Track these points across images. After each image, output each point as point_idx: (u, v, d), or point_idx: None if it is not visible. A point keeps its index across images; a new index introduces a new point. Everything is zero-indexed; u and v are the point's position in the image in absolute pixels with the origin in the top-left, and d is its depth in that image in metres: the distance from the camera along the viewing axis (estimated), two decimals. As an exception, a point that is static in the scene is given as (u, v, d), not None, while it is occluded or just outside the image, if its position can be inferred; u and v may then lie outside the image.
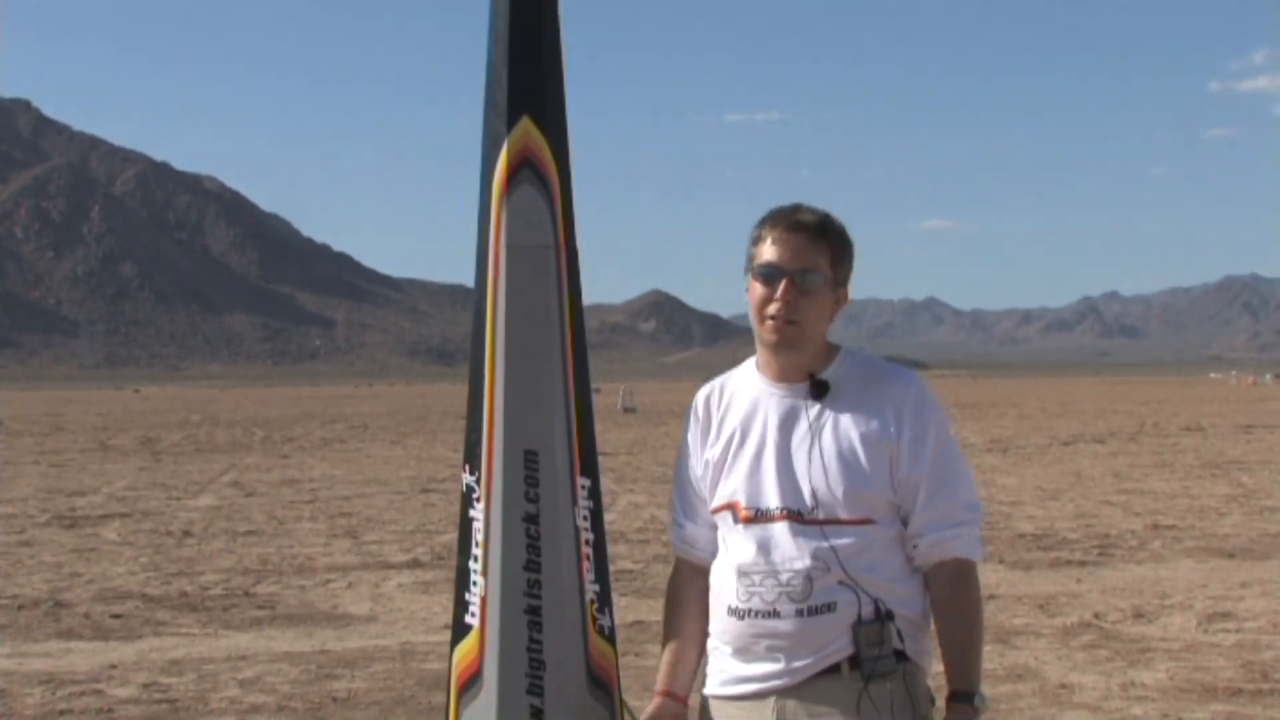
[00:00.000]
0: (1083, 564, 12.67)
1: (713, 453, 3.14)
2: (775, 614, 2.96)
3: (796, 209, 3.08)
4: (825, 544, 2.95)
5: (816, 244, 3.03)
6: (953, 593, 3.00)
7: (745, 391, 3.14)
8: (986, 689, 3.01)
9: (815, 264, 3.02)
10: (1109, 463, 24.81)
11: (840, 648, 2.94)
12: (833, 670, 2.94)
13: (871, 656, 2.92)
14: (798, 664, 2.95)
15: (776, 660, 2.97)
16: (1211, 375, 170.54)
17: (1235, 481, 20.54)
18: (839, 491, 2.97)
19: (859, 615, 2.93)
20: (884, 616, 2.94)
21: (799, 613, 2.94)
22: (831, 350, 3.12)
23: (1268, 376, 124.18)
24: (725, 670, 3.07)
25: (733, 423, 3.12)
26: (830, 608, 2.93)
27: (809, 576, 2.95)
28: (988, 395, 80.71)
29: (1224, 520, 15.73)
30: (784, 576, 2.96)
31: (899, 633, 2.96)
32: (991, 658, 8.71)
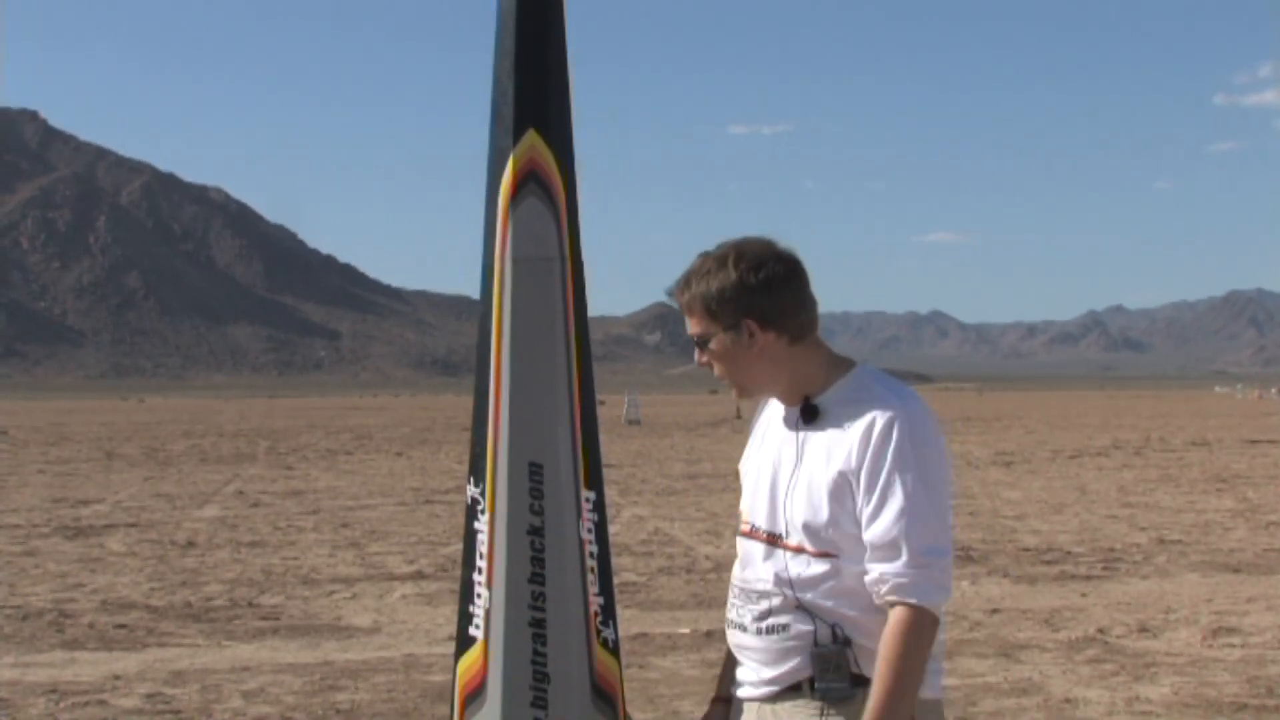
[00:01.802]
0: (1087, 578, 12.65)
1: (744, 460, 3.27)
2: (744, 628, 3.09)
3: (677, 283, 3.14)
4: (785, 569, 3.01)
5: (691, 310, 3.10)
6: (886, 640, 2.89)
7: (776, 408, 3.21)
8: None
9: (700, 329, 3.10)
10: (1114, 476, 24.78)
11: (800, 668, 3.00)
12: (796, 689, 3.02)
13: (826, 681, 2.97)
14: (766, 676, 3.05)
15: (752, 671, 3.09)
16: (1217, 389, 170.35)
17: (1241, 496, 20.50)
18: (798, 522, 3.00)
19: (815, 639, 2.98)
20: (841, 642, 2.96)
21: (758, 631, 3.05)
22: (839, 367, 3.10)
23: (1273, 391, 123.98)
24: (735, 670, 3.20)
25: (758, 436, 3.24)
26: (784, 629, 3.01)
27: (769, 597, 3.03)
28: (993, 408, 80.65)
29: (1229, 535, 15.70)
30: (752, 595, 3.07)
31: (856, 659, 2.97)
32: (996, 671, 8.70)
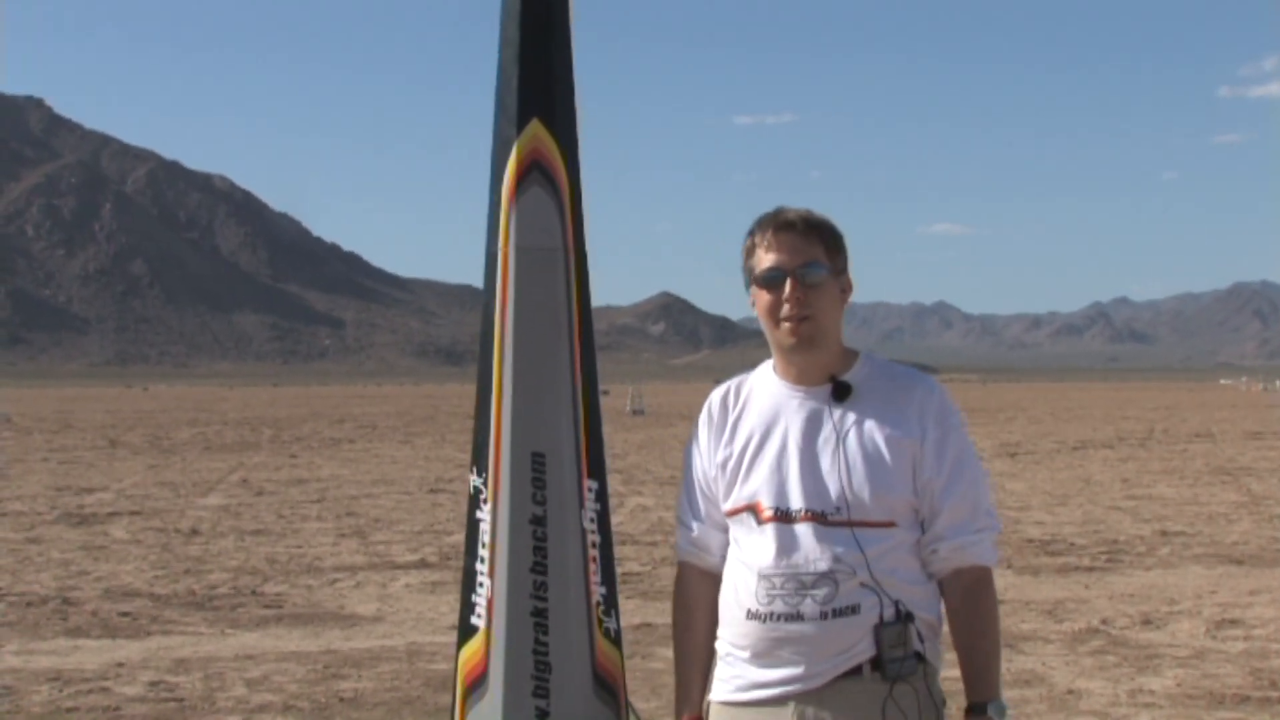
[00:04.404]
0: (1091, 570, 12.65)
1: (727, 453, 3.12)
2: (799, 617, 2.94)
3: (781, 211, 3.11)
4: (852, 546, 2.95)
5: (809, 238, 3.06)
6: (973, 601, 3.02)
7: (763, 393, 3.13)
8: (1003, 696, 3.02)
9: (814, 257, 3.05)
10: (1118, 468, 24.77)
11: (863, 650, 2.94)
12: (854, 672, 2.94)
13: (894, 658, 2.93)
14: (820, 667, 2.94)
15: (798, 664, 2.96)
16: (1222, 381, 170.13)
17: (1244, 488, 20.49)
18: (865, 494, 2.97)
19: (881, 617, 2.94)
20: (905, 618, 2.95)
21: (823, 615, 2.93)
22: (849, 354, 3.13)
23: (1278, 383, 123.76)
24: (742, 675, 3.03)
25: (750, 424, 3.11)
26: (854, 610, 2.93)
27: (834, 579, 2.94)
28: (997, 400, 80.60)
29: (1233, 527, 15.70)
30: (807, 579, 2.95)
31: (919, 634, 2.97)
32: (998, 663, 8.69)
